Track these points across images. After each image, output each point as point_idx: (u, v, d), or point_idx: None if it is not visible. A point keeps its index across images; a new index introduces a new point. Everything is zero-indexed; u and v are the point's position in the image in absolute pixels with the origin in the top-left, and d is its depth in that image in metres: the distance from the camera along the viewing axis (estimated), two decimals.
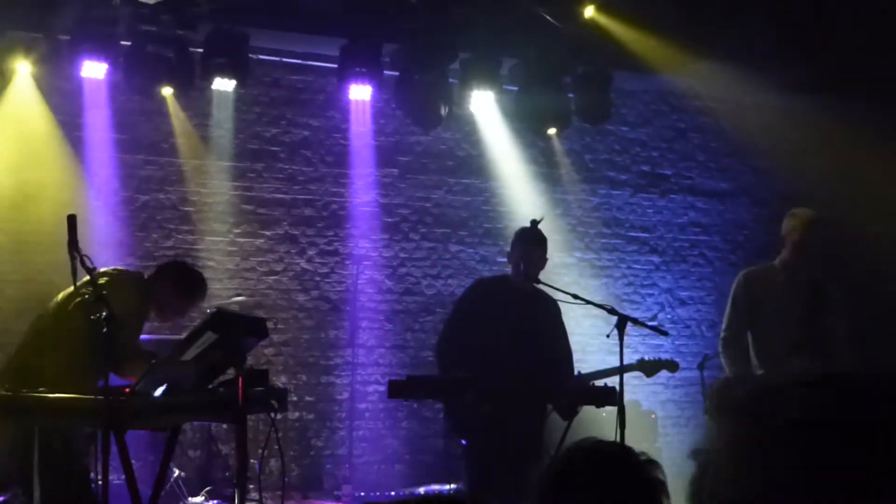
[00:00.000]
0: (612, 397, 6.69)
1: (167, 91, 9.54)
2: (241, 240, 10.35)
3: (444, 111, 9.93)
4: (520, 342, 6.78)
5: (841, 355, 6.80)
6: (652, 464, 2.52)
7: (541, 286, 7.03)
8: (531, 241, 6.97)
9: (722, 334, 7.10)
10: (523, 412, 6.70)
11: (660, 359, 7.43)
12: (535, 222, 6.99)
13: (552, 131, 10.79)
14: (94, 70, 9.09)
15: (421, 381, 7.06)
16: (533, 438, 6.84)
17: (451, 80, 9.86)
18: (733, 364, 6.94)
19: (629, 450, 2.58)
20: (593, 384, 7.16)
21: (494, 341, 6.75)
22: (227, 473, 8.59)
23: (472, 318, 6.98)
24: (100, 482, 4.97)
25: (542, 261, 6.99)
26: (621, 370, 6.94)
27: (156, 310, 6.31)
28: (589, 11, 9.38)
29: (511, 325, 6.81)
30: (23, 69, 9.04)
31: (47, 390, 5.13)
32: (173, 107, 9.99)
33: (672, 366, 7.41)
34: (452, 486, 8.04)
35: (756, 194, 11.11)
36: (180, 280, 6.31)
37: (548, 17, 8.94)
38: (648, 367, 7.22)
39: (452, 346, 7.00)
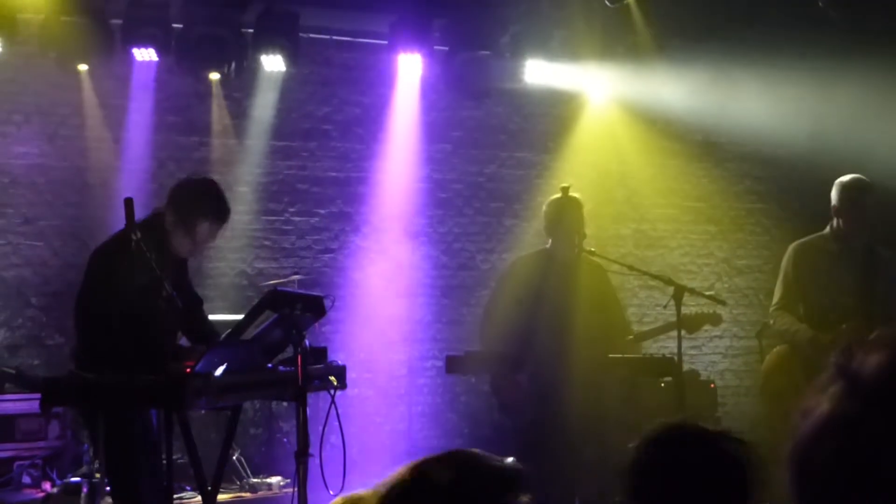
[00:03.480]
0: (671, 368, 6.64)
1: (218, 73, 9.62)
2: (297, 219, 10.41)
3: (494, 85, 9.91)
4: (567, 315, 6.69)
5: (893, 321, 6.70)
6: (738, 442, 2.46)
7: (596, 257, 6.97)
8: (572, 208, 6.85)
9: (772, 308, 7.02)
10: (576, 385, 6.63)
11: (701, 311, 7.29)
12: (566, 189, 6.87)
13: (601, 102, 10.76)
14: (145, 53, 9.17)
15: (479, 356, 7.04)
16: (586, 412, 6.77)
17: (501, 53, 9.82)
18: (790, 326, 6.83)
19: (709, 432, 2.53)
20: (651, 355, 7.12)
21: (541, 317, 6.68)
22: (288, 451, 8.66)
23: (514, 298, 6.90)
24: (164, 461, 5.03)
25: (583, 226, 6.85)
26: (662, 330, 6.89)
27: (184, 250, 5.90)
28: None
29: (557, 298, 6.73)
30: (77, 55, 9.14)
31: (112, 372, 5.18)
32: (226, 88, 10.04)
33: (715, 318, 7.32)
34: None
35: (812, 160, 10.97)
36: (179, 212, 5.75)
37: None
38: (689, 322, 7.08)
39: (495, 326, 6.93)
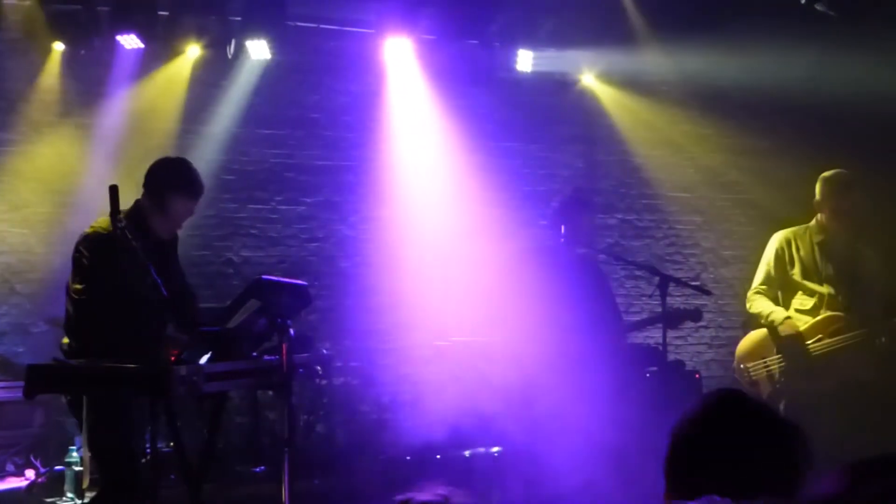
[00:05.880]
0: (656, 357, 6.68)
1: (205, 60, 9.61)
2: (283, 207, 10.39)
3: (482, 74, 9.89)
4: (583, 307, 6.74)
5: (870, 317, 6.80)
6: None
7: (584, 250, 7.02)
8: (584, 207, 6.96)
9: (751, 291, 7.15)
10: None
11: (683, 308, 7.38)
12: (581, 190, 6.99)
13: (591, 89, 10.76)
14: (131, 40, 9.15)
15: (463, 345, 7.06)
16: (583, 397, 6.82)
17: (489, 42, 9.81)
18: (765, 308, 6.95)
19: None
20: (636, 345, 7.15)
21: (550, 307, 6.71)
22: (274, 439, 8.65)
23: (526, 288, 6.93)
24: (148, 450, 5.02)
25: (594, 225, 7.02)
26: (643, 323, 6.93)
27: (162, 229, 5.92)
28: None
29: (563, 290, 6.77)
30: (62, 42, 9.15)
31: (97, 359, 5.17)
32: (213, 76, 10.01)
33: (695, 315, 7.40)
34: (496, 449, 8.09)
35: (798, 151, 10.98)
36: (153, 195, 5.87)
37: None
38: (668, 318, 7.17)
39: (505, 314, 6.97)
